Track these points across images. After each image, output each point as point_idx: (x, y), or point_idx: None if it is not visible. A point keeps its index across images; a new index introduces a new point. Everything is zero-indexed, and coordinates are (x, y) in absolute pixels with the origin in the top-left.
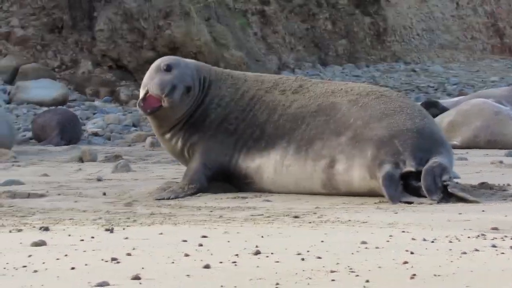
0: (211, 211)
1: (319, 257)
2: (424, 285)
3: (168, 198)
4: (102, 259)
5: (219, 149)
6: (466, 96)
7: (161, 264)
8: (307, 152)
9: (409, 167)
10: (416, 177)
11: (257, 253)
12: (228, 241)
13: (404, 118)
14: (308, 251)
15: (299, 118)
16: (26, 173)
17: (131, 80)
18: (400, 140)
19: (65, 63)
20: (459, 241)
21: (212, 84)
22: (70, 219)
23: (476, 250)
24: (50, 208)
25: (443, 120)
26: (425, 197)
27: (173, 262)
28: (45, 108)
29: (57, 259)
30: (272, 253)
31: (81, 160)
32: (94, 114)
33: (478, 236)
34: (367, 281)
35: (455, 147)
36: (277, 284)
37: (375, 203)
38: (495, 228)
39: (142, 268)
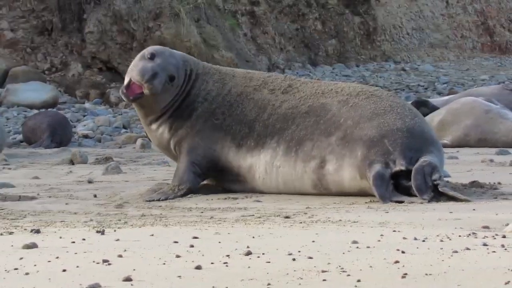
0: (202, 212)
1: (310, 257)
2: (416, 284)
3: (158, 200)
4: (94, 261)
5: (206, 145)
6: (456, 95)
7: (152, 265)
8: (297, 153)
9: (399, 166)
10: (406, 176)
11: (248, 253)
12: (219, 242)
13: (395, 118)
14: (299, 251)
15: (289, 118)
16: (16, 176)
17: (121, 82)
18: (390, 139)
19: (55, 65)
20: (450, 240)
21: (199, 78)
22: (61, 221)
23: (467, 249)
24: (41, 211)
25: (433, 119)
26: (416, 196)
27: (164, 263)
28: (36, 111)
29: (49, 261)
30: (263, 254)
31: (71, 162)
32: (84, 116)
33: (469, 234)
34: (359, 280)
35: (445, 146)
36: (269, 284)
37: (366, 202)
38: (486, 227)
39: (134, 269)
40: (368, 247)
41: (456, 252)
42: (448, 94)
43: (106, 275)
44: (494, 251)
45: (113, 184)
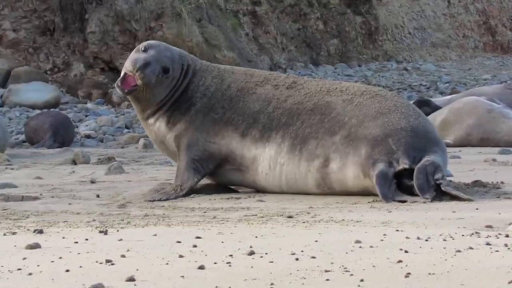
0: (205, 212)
1: (313, 257)
2: (419, 284)
3: (160, 200)
4: (97, 261)
5: (205, 139)
6: (459, 94)
7: (155, 265)
8: (302, 152)
9: (403, 165)
10: (409, 176)
11: (251, 253)
12: (222, 242)
13: (399, 117)
14: (302, 251)
15: (294, 114)
16: (19, 176)
17: None
18: (394, 139)
19: (57, 65)
20: (453, 239)
21: (197, 73)
22: (64, 221)
23: (470, 248)
24: (44, 211)
25: (435, 118)
26: (419, 195)
27: (167, 263)
28: (38, 111)
29: (52, 261)
30: (266, 253)
31: (74, 162)
32: (86, 116)
33: (472, 234)
34: (362, 280)
35: (448, 145)
36: (272, 284)
37: (368, 202)
38: (489, 226)
39: (137, 269)
40: (371, 246)
41: (459, 251)
42: (450, 94)
43: (109, 275)
44: (497, 251)
45: (116, 184)
